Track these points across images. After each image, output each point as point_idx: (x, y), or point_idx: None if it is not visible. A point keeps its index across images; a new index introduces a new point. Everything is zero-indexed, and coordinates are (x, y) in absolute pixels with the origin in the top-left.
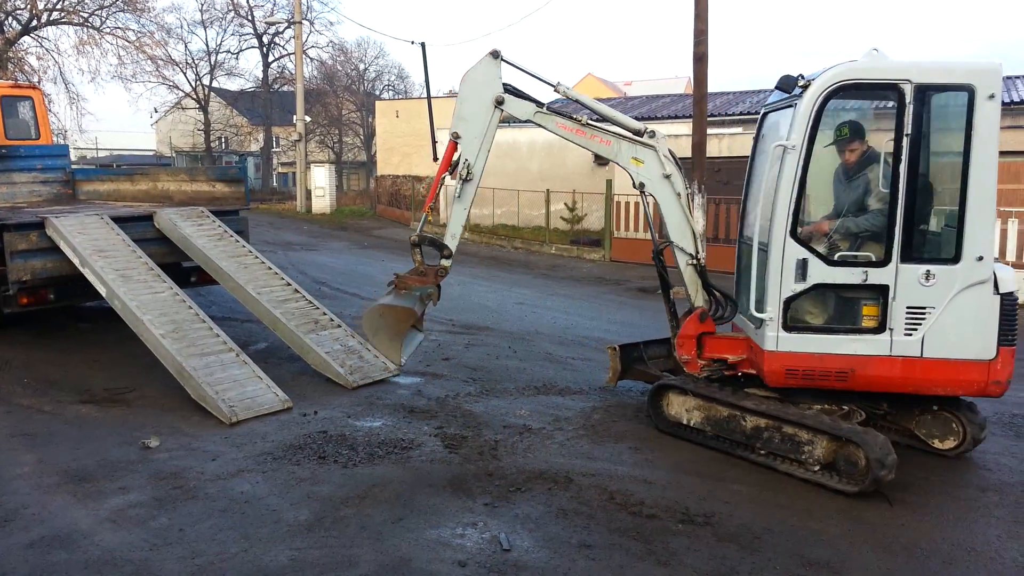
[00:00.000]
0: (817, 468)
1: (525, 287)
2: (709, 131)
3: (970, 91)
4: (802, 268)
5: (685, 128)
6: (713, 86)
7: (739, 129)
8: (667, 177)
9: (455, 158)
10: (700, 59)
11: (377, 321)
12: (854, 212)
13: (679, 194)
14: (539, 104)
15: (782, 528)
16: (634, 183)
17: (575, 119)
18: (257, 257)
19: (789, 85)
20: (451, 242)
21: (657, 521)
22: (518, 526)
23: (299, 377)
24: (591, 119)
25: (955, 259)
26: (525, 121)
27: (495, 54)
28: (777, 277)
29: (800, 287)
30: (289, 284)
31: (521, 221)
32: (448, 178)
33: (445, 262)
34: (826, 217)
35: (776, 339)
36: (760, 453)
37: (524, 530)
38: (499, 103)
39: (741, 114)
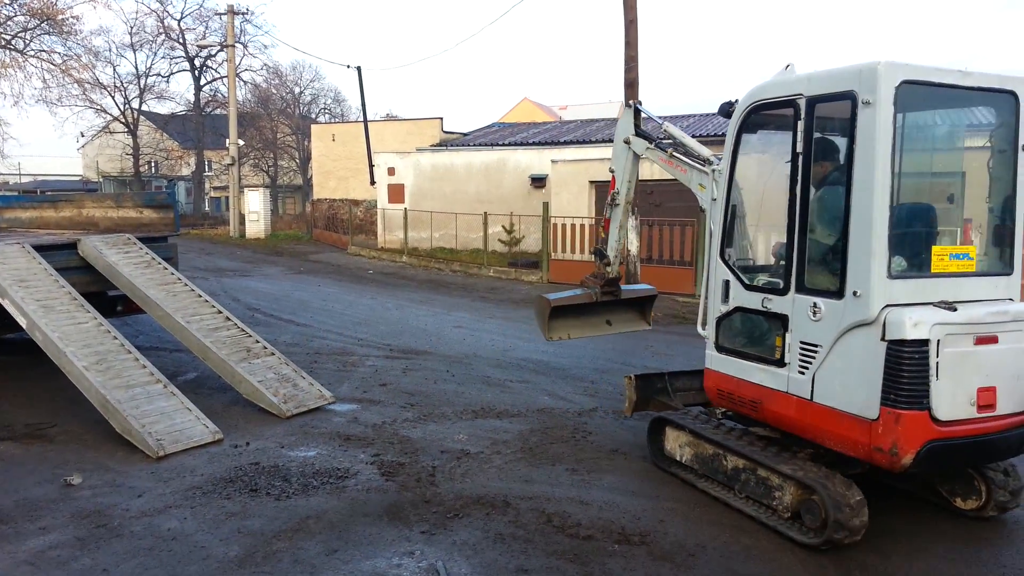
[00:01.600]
0: (787, 516)
1: (463, 310)
2: None
3: (852, 98)
4: (725, 290)
5: None
6: (648, 109)
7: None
8: (715, 200)
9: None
10: (631, 85)
11: (537, 305)
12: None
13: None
14: (650, 141)
15: (715, 544)
16: (700, 206)
17: (666, 152)
18: (186, 284)
19: (724, 111)
20: (610, 253)
21: (594, 542)
22: (455, 553)
23: (231, 407)
24: (676, 151)
25: (839, 293)
26: (478, 144)
27: (630, 105)
28: (712, 297)
29: (724, 308)
30: (220, 312)
31: (459, 244)
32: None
33: (607, 268)
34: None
35: (711, 358)
36: (738, 496)
37: (461, 557)
38: (627, 143)
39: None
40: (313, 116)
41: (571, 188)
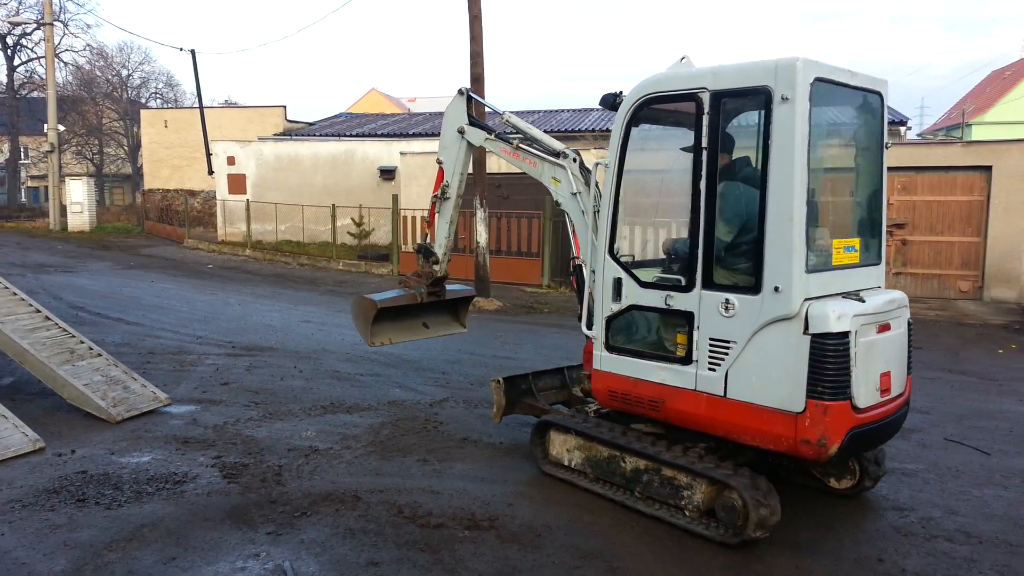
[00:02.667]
0: (696, 515)
1: (312, 304)
2: None
3: (766, 94)
4: (617, 288)
5: None
6: (494, 104)
7: None
8: (575, 195)
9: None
10: (477, 80)
11: (356, 308)
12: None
13: (584, 212)
14: (489, 131)
15: (559, 523)
16: (554, 201)
17: (511, 143)
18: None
19: (608, 102)
20: (438, 250)
21: (444, 530)
22: (303, 552)
23: (53, 414)
24: (522, 143)
25: (755, 289)
26: (324, 135)
27: (461, 91)
28: (599, 295)
29: (617, 307)
30: (39, 311)
31: (307, 237)
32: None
33: (435, 267)
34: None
35: (600, 358)
36: (639, 497)
37: (310, 555)
38: (461, 133)
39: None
40: (143, 101)
41: (421, 181)
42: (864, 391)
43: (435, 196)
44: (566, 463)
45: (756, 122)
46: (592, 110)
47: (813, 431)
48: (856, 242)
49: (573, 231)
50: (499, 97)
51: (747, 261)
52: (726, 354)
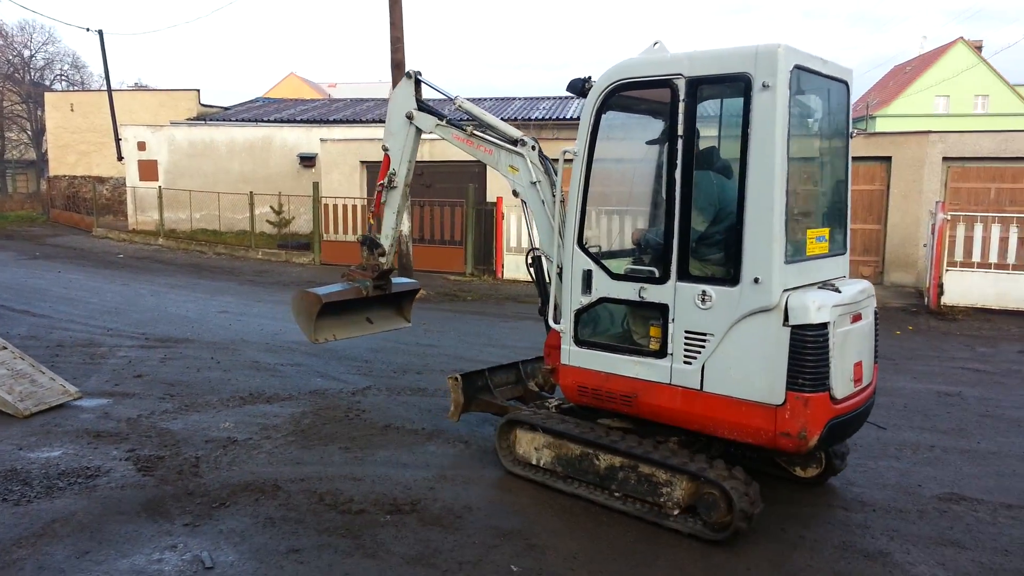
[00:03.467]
0: (676, 512)
1: (230, 294)
2: None
3: (745, 81)
4: (587, 280)
5: None
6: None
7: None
8: (534, 184)
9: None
10: (398, 66)
11: (297, 304)
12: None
13: (543, 201)
14: (441, 117)
15: (480, 503)
16: (512, 190)
17: (464, 130)
18: None
19: (576, 88)
20: (384, 242)
21: (366, 515)
22: (222, 542)
23: None
24: (477, 129)
25: (733, 280)
26: (241, 120)
27: (408, 74)
28: (568, 288)
29: (587, 300)
30: None
31: (224, 225)
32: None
33: (382, 259)
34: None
35: (568, 353)
36: (615, 496)
37: (228, 545)
38: (410, 118)
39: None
40: (47, 83)
41: (342, 168)
42: (841, 382)
43: (381, 185)
44: (534, 462)
45: (734, 110)
46: (544, 98)
47: (793, 424)
48: (826, 232)
49: (531, 221)
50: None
51: (725, 252)
52: (703, 347)
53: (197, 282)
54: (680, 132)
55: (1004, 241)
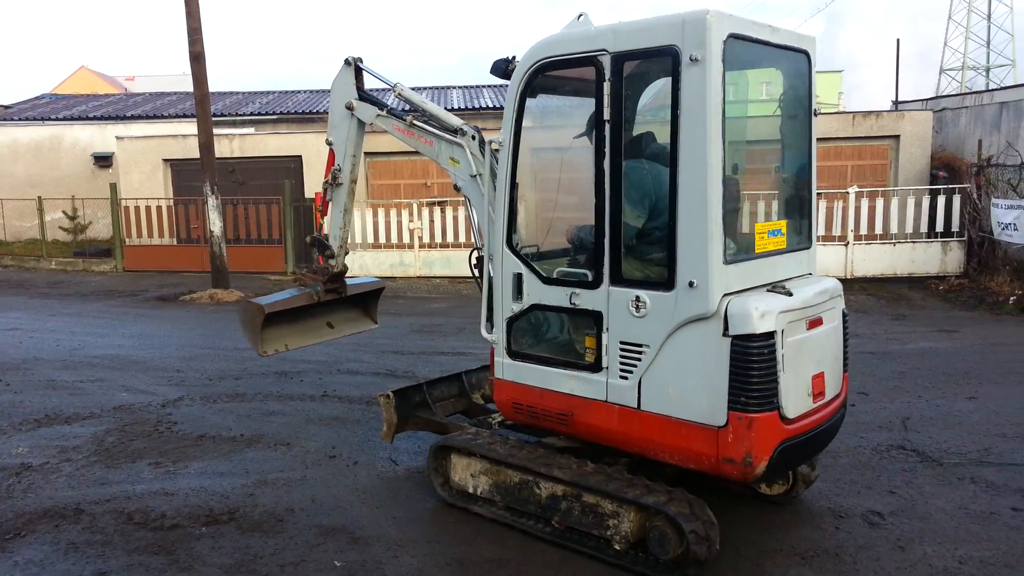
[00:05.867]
0: (623, 546)
1: (19, 310)
2: (220, 131)
3: (673, 55)
4: (517, 284)
5: (194, 128)
6: (224, 85)
7: (251, 129)
8: (475, 177)
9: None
10: (197, 58)
11: (242, 315)
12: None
13: (485, 196)
14: (381, 107)
15: (302, 506)
16: (454, 184)
17: (404, 120)
18: None
19: (500, 69)
20: (332, 243)
21: (180, 530)
22: (18, 574)
23: None
24: (418, 119)
25: (668, 284)
26: (25, 119)
27: (348, 61)
28: (499, 293)
29: (518, 307)
30: None
31: (9, 234)
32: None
33: (331, 262)
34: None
35: (502, 366)
36: (557, 528)
37: None
38: (350, 109)
39: (252, 114)
40: None
41: (143, 167)
42: (794, 398)
43: (326, 182)
44: (471, 490)
45: (664, 89)
46: (487, 87)
47: (737, 448)
48: (783, 225)
49: (474, 217)
50: (231, 78)
51: (659, 252)
52: (638, 360)
53: None
54: (607, 116)
55: None
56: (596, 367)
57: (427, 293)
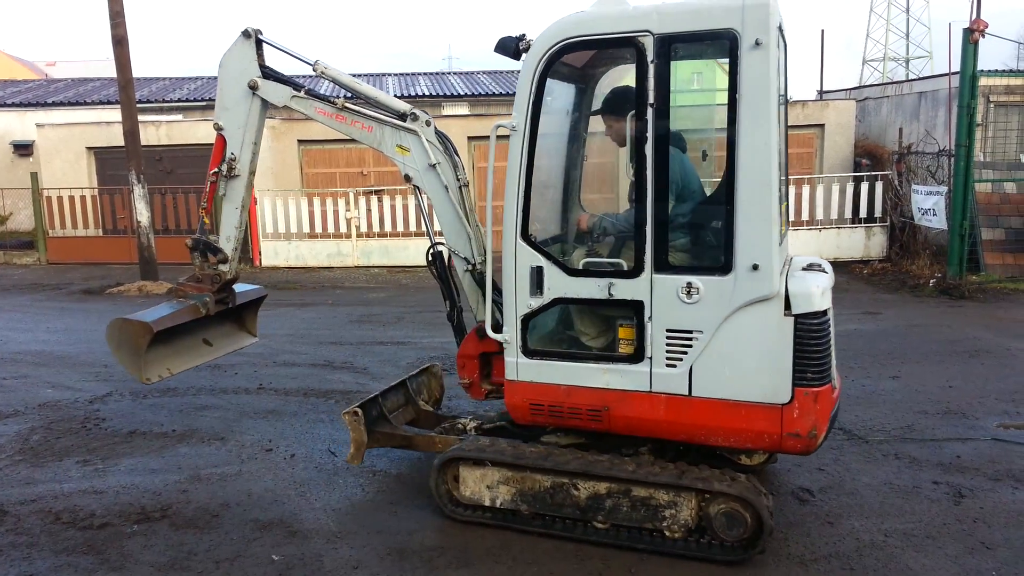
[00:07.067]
0: (678, 535)
1: None
2: (146, 118)
3: (731, 38)
4: (537, 278)
5: (119, 115)
6: (150, 71)
7: (179, 116)
8: (433, 167)
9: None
10: (120, 42)
11: (117, 336)
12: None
13: (447, 187)
14: (297, 87)
15: (238, 499)
16: (402, 175)
17: (332, 102)
18: None
19: (509, 48)
20: (226, 245)
21: (110, 528)
22: None
23: None
24: (353, 101)
25: (724, 268)
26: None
27: (247, 33)
28: (511, 289)
29: (537, 302)
30: None
31: None
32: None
33: (222, 267)
34: (593, 213)
35: (516, 366)
36: (602, 528)
37: None
38: (254, 88)
39: (180, 100)
40: None
41: (65, 156)
42: (834, 372)
43: (214, 173)
44: (488, 503)
45: (707, 73)
46: (423, 74)
47: (803, 422)
48: (784, 206)
49: (430, 211)
50: (158, 63)
51: (712, 237)
52: (689, 347)
53: None
54: (650, 100)
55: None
56: (636, 358)
57: (365, 283)
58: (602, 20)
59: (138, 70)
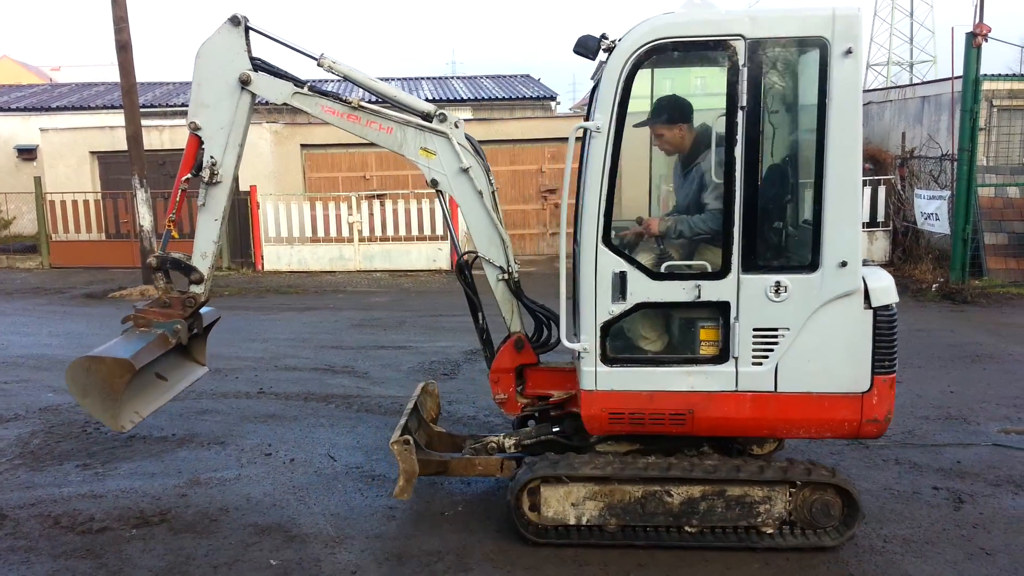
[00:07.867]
0: (770, 530)
1: None
2: (150, 122)
3: (822, 46)
4: (620, 284)
5: (122, 119)
6: (154, 75)
7: (182, 121)
8: (465, 171)
9: (199, 156)
10: (124, 47)
11: (84, 379)
12: (692, 211)
13: (480, 192)
14: (299, 83)
15: (237, 503)
16: (427, 180)
17: (346, 101)
18: None
19: (589, 47)
20: (201, 263)
21: (109, 532)
22: None
23: None
24: (367, 100)
25: (812, 266)
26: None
27: (236, 20)
28: (591, 296)
29: (619, 308)
30: None
31: None
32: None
33: (195, 288)
34: (661, 216)
35: (594, 375)
36: (696, 531)
37: None
38: (245, 83)
39: (184, 105)
40: None
41: (69, 160)
42: None
43: (188, 179)
44: (573, 521)
45: (807, 78)
46: (425, 79)
47: (880, 408)
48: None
49: (454, 216)
50: (162, 67)
51: (800, 236)
52: (776, 344)
53: None
54: (742, 103)
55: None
56: (721, 358)
57: (367, 287)
58: (695, 23)
59: (141, 75)
